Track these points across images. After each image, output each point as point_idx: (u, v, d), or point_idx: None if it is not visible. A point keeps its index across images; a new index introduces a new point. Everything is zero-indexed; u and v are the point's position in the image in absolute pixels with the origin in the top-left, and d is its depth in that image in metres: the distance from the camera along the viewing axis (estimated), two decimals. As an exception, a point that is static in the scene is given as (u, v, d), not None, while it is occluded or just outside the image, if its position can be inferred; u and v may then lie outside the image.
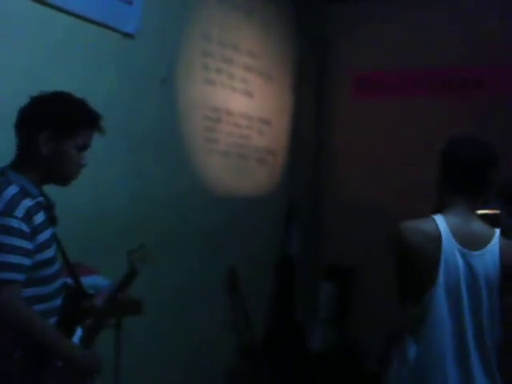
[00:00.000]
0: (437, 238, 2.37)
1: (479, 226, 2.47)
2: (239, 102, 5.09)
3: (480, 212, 3.78)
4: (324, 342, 5.64)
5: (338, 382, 5.10)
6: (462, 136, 2.55)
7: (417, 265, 2.39)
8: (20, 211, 2.09)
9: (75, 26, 3.53)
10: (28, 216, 2.11)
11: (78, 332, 2.39)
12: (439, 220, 2.41)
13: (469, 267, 2.38)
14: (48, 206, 2.29)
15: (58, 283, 2.29)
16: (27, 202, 2.13)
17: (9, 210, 2.08)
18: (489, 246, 2.42)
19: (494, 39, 5.18)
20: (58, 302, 2.29)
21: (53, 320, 2.27)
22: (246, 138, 5.20)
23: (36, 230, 2.14)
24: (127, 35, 3.88)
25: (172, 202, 4.33)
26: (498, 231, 2.48)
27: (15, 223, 2.07)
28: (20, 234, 2.07)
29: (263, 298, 5.57)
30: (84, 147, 2.33)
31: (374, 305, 5.47)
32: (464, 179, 2.45)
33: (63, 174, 2.32)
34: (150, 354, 4.12)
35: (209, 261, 4.75)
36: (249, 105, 5.23)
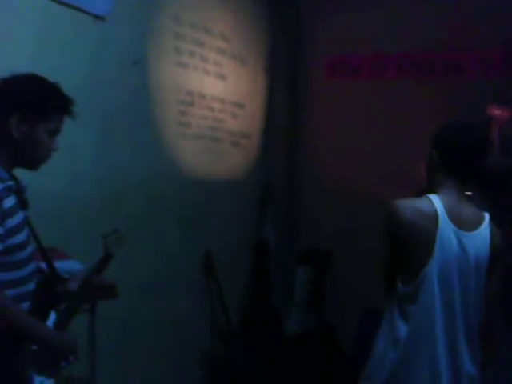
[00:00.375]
0: (433, 215, 2.39)
1: (471, 209, 2.51)
2: (212, 86, 5.06)
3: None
4: (300, 326, 5.67)
5: (313, 364, 5.12)
6: (457, 121, 2.58)
7: (412, 242, 2.39)
8: None
9: (49, 8, 3.48)
10: None
11: (52, 316, 2.38)
12: (434, 199, 2.43)
13: (461, 247, 2.40)
14: (19, 190, 2.26)
15: (30, 267, 2.26)
16: None
17: None
18: (480, 229, 2.46)
19: (468, 22, 5.19)
20: (31, 286, 2.26)
21: (26, 304, 2.23)
22: (219, 122, 5.17)
23: (6, 215, 2.09)
24: (99, 17, 3.83)
25: (145, 186, 4.30)
26: (487, 216, 2.52)
27: None
28: None
29: (239, 282, 5.58)
30: (55, 132, 2.31)
31: (349, 288, 5.51)
32: (461, 164, 2.47)
33: (34, 158, 2.28)
34: (126, 338, 4.10)
35: (184, 244, 4.74)
36: (222, 88, 5.20)
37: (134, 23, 4.18)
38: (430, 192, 2.49)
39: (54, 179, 3.54)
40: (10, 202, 2.14)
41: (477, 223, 2.47)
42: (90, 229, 3.73)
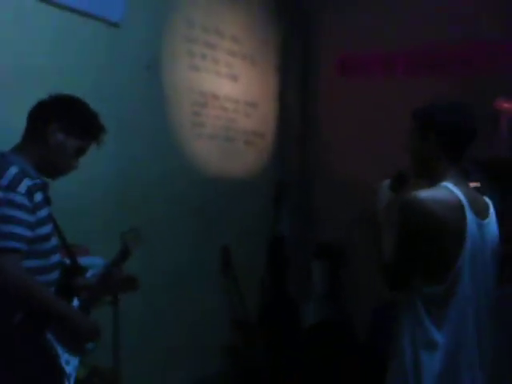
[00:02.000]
0: (459, 206, 2.19)
1: (479, 195, 2.37)
2: (225, 86, 5.21)
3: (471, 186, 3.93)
4: (316, 318, 5.77)
5: (329, 354, 5.24)
6: (450, 102, 2.41)
7: (441, 237, 2.16)
8: (23, 187, 2.26)
9: (64, 17, 3.66)
10: (29, 192, 2.28)
11: (75, 302, 2.56)
12: (453, 188, 2.23)
13: (481, 236, 2.25)
14: (44, 188, 2.45)
15: (55, 258, 2.46)
16: (28, 181, 2.30)
17: (13, 186, 2.25)
18: (491, 216, 2.33)
19: (477, 17, 5.25)
20: (55, 275, 2.46)
21: (51, 291, 2.43)
22: (232, 121, 5.32)
23: (36, 207, 2.31)
24: (113, 24, 4.00)
25: (162, 184, 4.46)
26: (490, 201, 2.40)
27: (19, 198, 2.25)
28: (23, 207, 2.25)
29: (256, 276, 5.71)
30: (82, 152, 2.54)
31: (363, 281, 5.60)
32: (465, 147, 2.34)
33: (56, 167, 2.50)
34: (147, 329, 4.27)
35: (202, 240, 4.90)
36: (234, 88, 5.35)
37: (148, 28, 4.34)
38: (422, 177, 2.37)
39: (73, 180, 3.67)
40: (38, 196, 2.35)
41: (487, 210, 2.33)
42: (110, 227, 3.91)
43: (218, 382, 5.01)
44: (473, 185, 3.67)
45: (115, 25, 4.02)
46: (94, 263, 3.30)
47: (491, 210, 2.35)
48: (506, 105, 4.42)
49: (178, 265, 4.54)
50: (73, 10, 3.72)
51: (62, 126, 2.41)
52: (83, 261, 3.35)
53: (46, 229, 2.40)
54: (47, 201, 2.47)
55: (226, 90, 5.22)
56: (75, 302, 2.56)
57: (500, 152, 4.59)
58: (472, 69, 5.42)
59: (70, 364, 2.44)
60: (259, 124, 5.74)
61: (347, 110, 5.91)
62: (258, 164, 5.75)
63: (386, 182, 2.51)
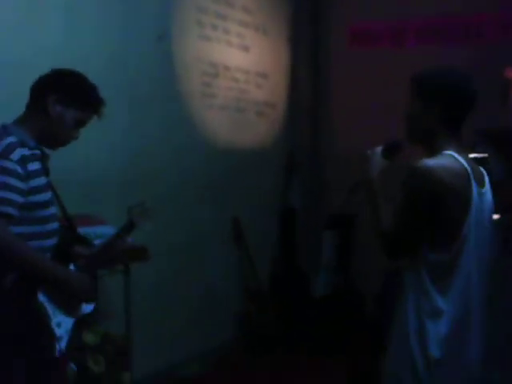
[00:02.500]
0: (465, 174, 2.19)
1: (475, 164, 2.34)
2: (236, 57, 5.23)
3: (470, 156, 3.93)
4: (326, 288, 5.82)
5: (339, 324, 5.30)
6: (448, 68, 2.37)
7: (450, 204, 2.15)
8: (15, 155, 2.31)
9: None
10: (22, 161, 2.33)
11: (71, 267, 2.58)
12: (457, 157, 2.22)
13: (481, 204, 2.25)
14: (43, 158, 2.50)
15: (53, 225, 2.49)
16: (23, 151, 2.35)
17: (5, 153, 2.29)
18: (487, 184, 2.33)
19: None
20: (52, 241, 2.49)
21: (47, 256, 2.47)
22: (243, 92, 5.34)
23: (29, 175, 2.35)
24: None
25: (173, 157, 4.51)
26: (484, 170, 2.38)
27: (10, 164, 2.29)
28: (14, 174, 2.29)
29: (268, 246, 5.78)
30: (82, 124, 2.56)
31: (373, 251, 5.63)
32: (461, 114, 2.29)
33: (56, 138, 2.53)
34: (159, 298, 4.34)
35: (213, 211, 4.95)
36: (245, 59, 5.36)
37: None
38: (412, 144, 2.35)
39: (91, 151, 3.80)
40: (34, 166, 2.39)
41: (484, 178, 2.31)
42: (123, 198, 3.96)
43: (230, 349, 5.10)
44: (480, 155, 3.69)
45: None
46: (105, 232, 3.37)
47: (487, 178, 2.34)
48: (514, 75, 4.40)
49: (190, 236, 4.61)
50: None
51: (60, 97, 2.44)
52: (94, 230, 3.44)
53: (44, 196, 2.44)
54: (46, 171, 2.51)
55: (237, 60, 5.23)
56: (71, 267, 2.58)
57: (510, 122, 4.59)
58: (483, 39, 5.40)
59: (61, 326, 2.46)
60: (270, 95, 5.75)
61: (358, 81, 5.92)
62: (269, 135, 5.78)
63: (378, 150, 2.45)
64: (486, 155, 3.89)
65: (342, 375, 4.35)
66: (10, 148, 2.31)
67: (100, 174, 3.91)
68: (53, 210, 2.51)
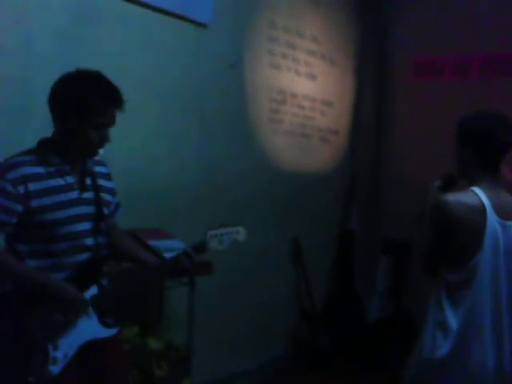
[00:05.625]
0: (481, 209, 2.46)
1: (508, 198, 2.60)
2: (303, 85, 5.43)
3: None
4: (381, 312, 5.92)
5: (391, 348, 5.39)
6: (484, 111, 2.63)
7: (461, 235, 2.46)
8: (11, 174, 2.34)
9: (152, 18, 3.94)
10: (22, 180, 2.35)
11: (93, 289, 2.56)
12: (479, 192, 2.49)
13: (506, 237, 2.50)
14: (84, 174, 2.54)
15: (75, 242, 2.48)
16: (28, 169, 2.37)
17: (3, 172, 2.35)
18: None
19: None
20: (72, 258, 2.48)
21: (62, 274, 2.46)
22: (309, 119, 5.53)
23: (29, 195, 2.36)
24: (201, 25, 4.27)
25: (241, 177, 4.73)
26: None
27: (1, 183, 2.33)
28: (3, 193, 2.33)
29: (325, 269, 5.93)
30: (104, 125, 2.46)
31: (426, 278, 5.71)
32: (497, 155, 2.57)
33: (82, 150, 2.50)
34: (219, 312, 4.55)
35: (274, 231, 5.14)
36: (312, 87, 5.55)
37: (233, 29, 4.60)
38: (463, 179, 2.62)
39: (162, 167, 4.06)
40: (41, 185, 2.39)
41: None
42: (191, 213, 4.22)
43: (283, 366, 5.25)
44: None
45: (203, 25, 4.28)
46: (174, 246, 3.58)
47: None
48: None
49: (252, 253, 4.75)
50: (164, 11, 4.00)
51: (71, 116, 2.40)
52: (165, 244, 3.66)
53: (59, 214, 2.42)
54: (81, 186, 2.51)
55: (304, 88, 5.43)
56: (93, 289, 2.55)
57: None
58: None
59: (59, 349, 2.40)
60: (334, 122, 5.93)
61: (420, 112, 6.03)
62: (332, 161, 5.94)
63: (437, 183, 2.75)
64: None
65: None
66: (10, 167, 2.35)
67: (171, 189, 4.14)
68: (75, 227, 2.48)
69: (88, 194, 2.54)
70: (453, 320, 2.51)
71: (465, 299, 2.50)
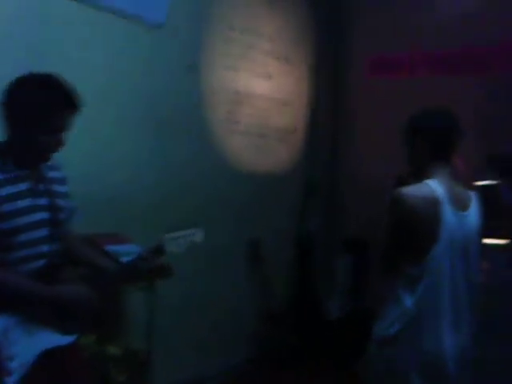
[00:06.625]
0: (435, 201, 2.52)
1: (461, 189, 2.69)
2: (259, 85, 5.42)
3: (480, 183, 4.07)
4: (341, 311, 5.94)
5: (352, 345, 5.40)
6: (432, 109, 2.73)
7: (417, 228, 2.51)
8: None
9: (103, 19, 3.88)
10: None
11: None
12: (434, 185, 2.57)
13: (461, 227, 2.57)
14: (38, 179, 2.49)
15: (32, 249, 2.45)
16: None
17: None
18: (472, 207, 2.67)
19: (499, 20, 5.39)
20: (28, 266, 2.44)
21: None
22: (266, 119, 5.52)
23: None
24: (156, 25, 4.22)
25: (198, 179, 4.70)
26: (474, 194, 2.74)
27: None
28: None
29: (285, 269, 5.92)
30: (57, 130, 2.41)
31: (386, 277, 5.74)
32: (446, 148, 2.66)
33: (36, 155, 2.45)
34: (178, 314, 4.52)
35: (233, 233, 5.12)
36: (268, 87, 5.54)
37: (188, 30, 4.57)
38: (418, 176, 2.67)
39: (119, 171, 4.01)
40: (8, 190, 2.36)
41: (469, 202, 2.67)
42: (149, 217, 4.18)
43: (246, 370, 5.22)
44: (489, 182, 3.88)
45: (158, 26, 4.24)
46: (130, 251, 3.52)
47: (474, 203, 2.69)
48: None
49: (211, 256, 4.76)
50: (117, 13, 3.95)
51: (17, 121, 2.36)
52: (120, 248, 3.61)
53: (18, 221, 2.38)
54: (34, 192, 2.46)
55: (260, 88, 5.42)
56: None
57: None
58: (494, 71, 5.53)
59: (14, 360, 2.35)
60: (291, 121, 5.93)
61: (376, 109, 6.07)
62: (289, 160, 5.94)
63: (392, 182, 2.84)
64: (495, 182, 4.08)
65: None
66: None
67: (128, 193, 4.10)
68: (33, 233, 2.43)
69: (42, 201, 2.49)
70: (408, 301, 2.57)
71: (423, 290, 2.55)
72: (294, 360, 5.35)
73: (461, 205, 2.61)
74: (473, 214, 2.67)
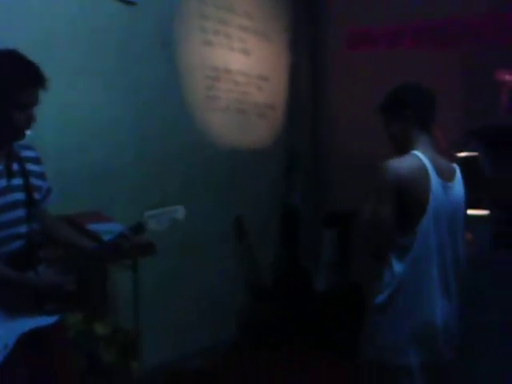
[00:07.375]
0: (424, 171, 2.54)
1: (445, 161, 2.72)
2: (237, 61, 5.40)
3: (461, 155, 4.09)
4: (328, 284, 5.96)
5: (340, 318, 5.43)
6: (414, 83, 2.76)
7: (409, 198, 2.52)
8: None
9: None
10: None
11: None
12: (421, 155, 2.58)
13: (447, 196, 2.60)
14: (12, 159, 2.47)
15: (9, 230, 2.43)
16: None
17: None
18: (456, 178, 2.69)
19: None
20: (6, 247, 2.42)
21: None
22: (245, 95, 5.51)
23: None
24: (130, 3, 4.19)
25: (177, 157, 4.68)
26: (457, 167, 2.75)
27: None
28: None
29: (270, 244, 5.94)
30: (26, 106, 2.37)
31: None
32: (427, 120, 2.70)
33: (10, 132, 2.42)
34: (166, 292, 4.52)
35: (217, 210, 5.11)
36: (246, 63, 5.53)
37: (162, 6, 4.53)
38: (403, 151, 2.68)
39: (97, 149, 3.99)
40: None
41: (453, 173, 2.69)
42: (131, 195, 4.16)
43: (235, 344, 5.25)
44: (470, 154, 3.89)
45: (132, 3, 4.21)
46: (112, 229, 3.51)
47: (458, 174, 2.71)
48: (507, 76, 4.57)
49: (195, 233, 4.75)
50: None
51: None
52: (103, 227, 3.60)
53: None
54: (9, 172, 2.44)
55: (238, 64, 5.40)
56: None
57: (499, 121, 4.76)
58: (478, 41, 5.52)
59: None
60: (271, 97, 5.91)
61: (355, 84, 6.05)
62: (270, 135, 5.94)
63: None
64: (475, 154, 4.10)
65: (344, 368, 4.49)
66: None
67: (108, 171, 4.09)
68: (6, 216, 2.41)
69: (17, 181, 2.46)
70: (398, 266, 2.57)
71: (411, 260, 2.56)
72: (279, 336, 5.34)
73: (446, 176, 2.64)
74: (457, 185, 2.70)
